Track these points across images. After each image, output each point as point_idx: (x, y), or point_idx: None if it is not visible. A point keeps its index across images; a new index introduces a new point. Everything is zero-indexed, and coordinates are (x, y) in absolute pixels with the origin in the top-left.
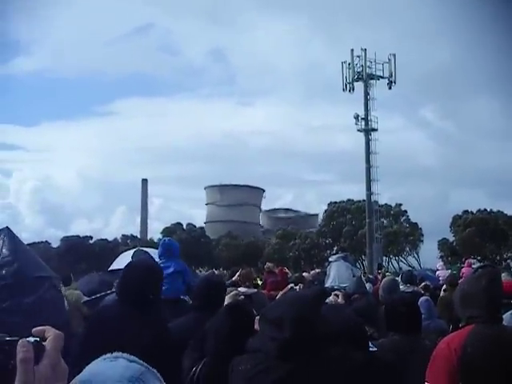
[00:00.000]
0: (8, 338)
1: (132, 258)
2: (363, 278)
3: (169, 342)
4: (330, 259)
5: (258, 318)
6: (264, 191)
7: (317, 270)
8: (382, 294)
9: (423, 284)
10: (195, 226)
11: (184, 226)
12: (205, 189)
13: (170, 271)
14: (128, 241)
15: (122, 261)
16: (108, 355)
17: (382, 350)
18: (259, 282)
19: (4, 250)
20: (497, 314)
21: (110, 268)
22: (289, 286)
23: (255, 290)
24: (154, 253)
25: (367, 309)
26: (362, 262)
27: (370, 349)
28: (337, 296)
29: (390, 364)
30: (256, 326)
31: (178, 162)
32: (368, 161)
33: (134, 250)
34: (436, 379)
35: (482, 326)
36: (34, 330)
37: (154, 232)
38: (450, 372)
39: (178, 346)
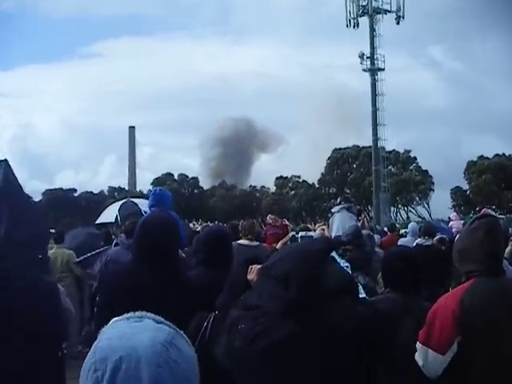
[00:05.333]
0: None
1: (120, 209)
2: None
3: (197, 301)
4: (333, 210)
5: (252, 267)
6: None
7: (322, 227)
8: None
9: (438, 237)
10: (188, 177)
11: (175, 177)
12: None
13: None
14: (115, 193)
15: (109, 213)
16: (131, 314)
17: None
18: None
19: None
20: (496, 267)
21: (97, 221)
22: (290, 235)
23: (258, 243)
24: (144, 203)
25: (361, 259)
26: (368, 213)
27: (360, 295)
28: (323, 230)
29: (390, 315)
30: (249, 277)
31: (168, 107)
32: (374, 103)
33: (123, 201)
34: (429, 337)
35: (480, 280)
36: None
37: (144, 183)
38: (444, 328)
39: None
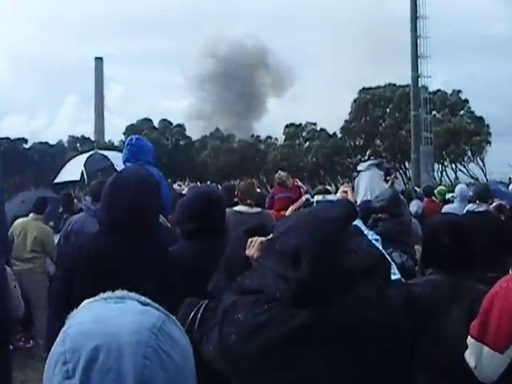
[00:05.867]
0: None
1: (86, 164)
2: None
3: (182, 283)
4: (359, 168)
5: (252, 240)
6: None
7: (345, 189)
8: None
9: (496, 203)
10: (171, 123)
11: (155, 123)
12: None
13: None
14: (77, 144)
15: (72, 170)
16: (109, 294)
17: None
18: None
19: None
20: None
21: (56, 180)
22: (303, 199)
23: (259, 209)
24: (117, 157)
25: (398, 232)
26: (405, 172)
27: (393, 277)
28: (345, 193)
29: (433, 302)
30: (249, 253)
31: (145, 34)
32: (414, 29)
33: (89, 153)
34: (485, 331)
35: None
36: None
37: (115, 132)
38: (504, 319)
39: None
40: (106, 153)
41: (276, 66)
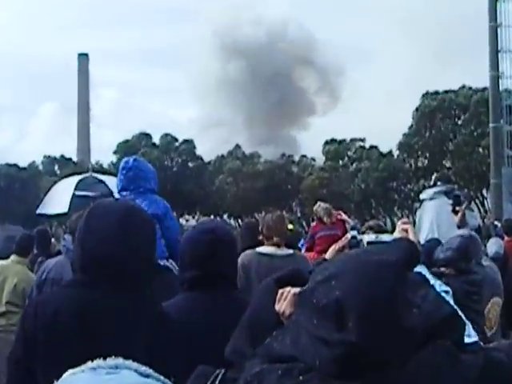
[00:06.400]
0: None
1: (76, 189)
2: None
3: (183, 348)
4: (423, 196)
5: (283, 292)
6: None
7: (404, 225)
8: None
9: None
10: (176, 139)
11: (156, 139)
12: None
13: None
14: (55, 167)
15: (57, 199)
16: (98, 363)
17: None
18: (291, 227)
19: None
20: None
21: (40, 210)
22: (347, 236)
23: (291, 251)
24: (112, 182)
25: (465, 293)
26: (482, 201)
27: (468, 339)
28: (405, 230)
29: None
30: (279, 307)
31: (142, 25)
32: (494, 17)
33: (81, 177)
34: None
35: None
36: None
37: (103, 150)
38: None
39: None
40: (102, 177)
41: (323, 65)
